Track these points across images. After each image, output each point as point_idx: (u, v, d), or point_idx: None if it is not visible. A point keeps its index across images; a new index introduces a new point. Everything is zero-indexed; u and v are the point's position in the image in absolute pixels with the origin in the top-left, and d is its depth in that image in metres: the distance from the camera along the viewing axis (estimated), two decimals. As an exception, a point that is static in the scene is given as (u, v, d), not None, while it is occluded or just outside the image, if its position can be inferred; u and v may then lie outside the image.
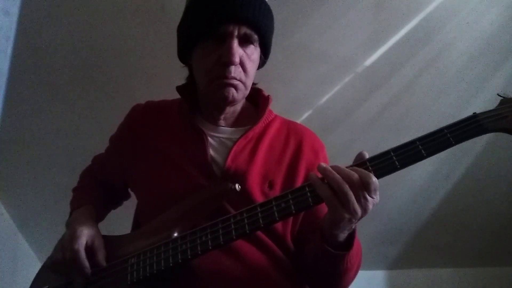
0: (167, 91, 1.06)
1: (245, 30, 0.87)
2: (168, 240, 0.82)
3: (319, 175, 0.74)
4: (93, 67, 1.76)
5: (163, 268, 0.80)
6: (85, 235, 0.88)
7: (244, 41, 0.89)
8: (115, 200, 1.14)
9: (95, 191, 1.07)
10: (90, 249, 0.87)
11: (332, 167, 0.72)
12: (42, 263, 1.01)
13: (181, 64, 1.01)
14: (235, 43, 0.86)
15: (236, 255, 0.83)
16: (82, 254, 0.85)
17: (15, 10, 0.50)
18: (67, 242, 0.87)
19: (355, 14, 1.74)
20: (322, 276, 0.84)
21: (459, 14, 1.78)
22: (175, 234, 0.83)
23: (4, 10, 0.49)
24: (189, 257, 0.78)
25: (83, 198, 1.03)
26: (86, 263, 0.85)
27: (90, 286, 0.86)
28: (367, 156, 0.74)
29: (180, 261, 0.79)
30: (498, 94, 0.75)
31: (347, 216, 0.70)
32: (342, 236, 0.75)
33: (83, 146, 1.83)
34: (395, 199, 2.31)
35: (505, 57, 1.89)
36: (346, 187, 0.69)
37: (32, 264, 2.14)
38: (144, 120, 1.02)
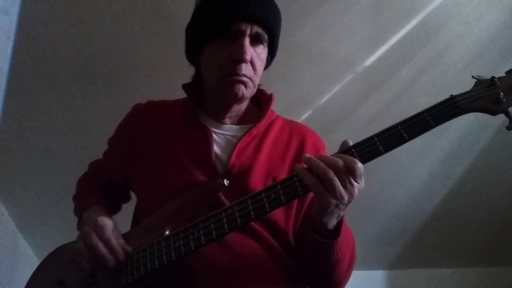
0: (168, 90, 1.06)
1: (257, 29, 0.89)
2: (160, 239, 0.82)
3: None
4: (93, 67, 1.76)
5: (157, 267, 0.79)
6: (109, 225, 0.87)
7: (255, 40, 0.90)
8: (115, 202, 1.13)
9: (97, 194, 1.06)
10: None
11: (317, 156, 0.74)
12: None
13: (182, 64, 1.02)
14: (247, 41, 0.88)
15: (234, 250, 0.83)
16: (114, 241, 0.84)
17: (15, 10, 0.50)
18: (94, 231, 0.85)
19: (355, 14, 1.74)
20: (316, 269, 0.85)
21: (459, 14, 1.78)
22: (167, 233, 0.83)
23: (4, 10, 0.49)
24: (183, 253, 0.78)
25: (88, 201, 1.01)
26: (120, 250, 0.83)
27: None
28: (351, 143, 0.76)
29: (174, 258, 0.79)
30: (472, 77, 0.79)
31: (333, 201, 0.71)
32: (331, 224, 0.76)
33: (84, 146, 1.83)
34: (395, 199, 2.31)
35: (505, 57, 1.89)
36: (331, 173, 0.71)
37: (31, 264, 2.13)
38: (146, 119, 1.02)
